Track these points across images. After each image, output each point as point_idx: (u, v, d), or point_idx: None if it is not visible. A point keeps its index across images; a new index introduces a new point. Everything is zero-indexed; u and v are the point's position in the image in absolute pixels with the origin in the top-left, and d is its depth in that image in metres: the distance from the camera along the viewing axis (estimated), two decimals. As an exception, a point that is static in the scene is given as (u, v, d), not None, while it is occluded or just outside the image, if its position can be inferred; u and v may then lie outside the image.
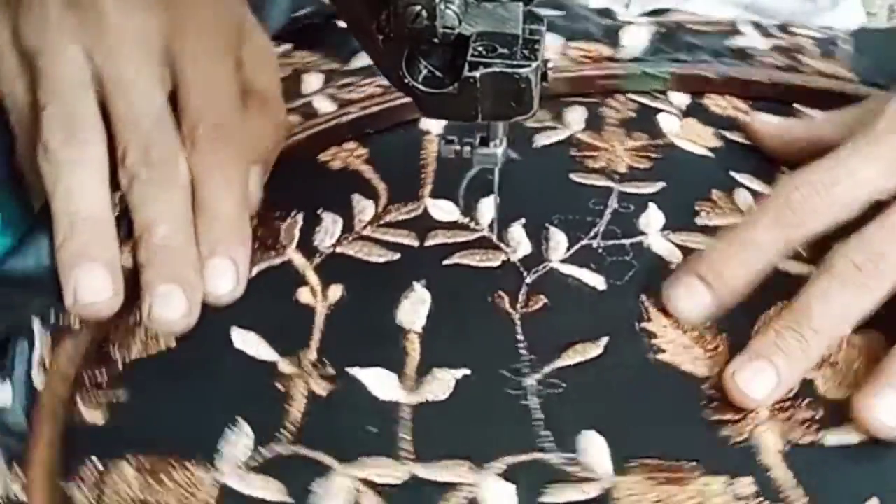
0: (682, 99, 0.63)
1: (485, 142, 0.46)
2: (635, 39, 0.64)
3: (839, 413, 0.44)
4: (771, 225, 0.47)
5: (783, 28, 0.66)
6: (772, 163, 0.58)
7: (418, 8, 0.40)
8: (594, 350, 0.47)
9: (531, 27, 0.43)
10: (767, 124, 0.59)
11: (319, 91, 0.61)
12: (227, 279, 0.47)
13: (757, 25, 0.66)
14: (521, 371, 0.46)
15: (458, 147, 0.47)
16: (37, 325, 0.46)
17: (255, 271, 0.51)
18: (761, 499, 0.41)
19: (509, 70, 0.41)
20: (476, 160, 0.47)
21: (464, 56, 0.42)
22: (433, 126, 0.60)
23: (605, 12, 0.69)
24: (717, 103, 0.63)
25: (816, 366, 0.45)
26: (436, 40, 0.41)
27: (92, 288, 0.45)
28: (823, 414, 0.44)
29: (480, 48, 0.42)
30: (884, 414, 0.43)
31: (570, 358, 0.47)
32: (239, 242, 0.48)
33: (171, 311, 0.45)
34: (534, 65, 0.42)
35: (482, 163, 0.47)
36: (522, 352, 0.47)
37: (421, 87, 0.43)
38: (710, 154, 0.59)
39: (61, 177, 0.46)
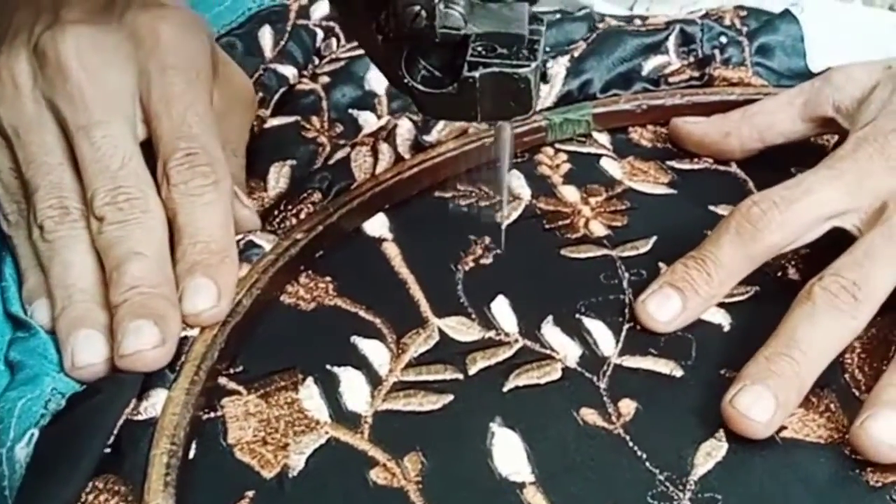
0: (605, 137, 0.60)
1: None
2: (551, 83, 0.60)
3: None
4: (732, 239, 0.48)
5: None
6: (736, 186, 0.56)
7: (418, 8, 0.40)
8: (720, 447, 0.43)
9: (531, 27, 0.42)
10: (697, 123, 0.59)
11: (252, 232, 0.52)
12: (204, 296, 0.46)
13: (682, 33, 0.63)
14: (668, 494, 0.41)
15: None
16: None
17: (300, 461, 0.43)
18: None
19: (509, 70, 0.41)
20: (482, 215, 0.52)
21: (463, 56, 0.41)
22: (381, 230, 0.54)
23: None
24: (642, 135, 0.60)
25: None
26: (435, 40, 0.41)
27: (88, 351, 0.44)
28: None
29: (480, 48, 0.41)
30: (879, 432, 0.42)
31: (704, 463, 0.43)
32: (218, 261, 0.47)
33: (141, 342, 0.43)
34: (533, 65, 0.41)
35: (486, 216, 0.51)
36: (651, 468, 0.42)
37: (420, 87, 0.43)
38: (671, 191, 0.57)
39: (57, 253, 0.47)
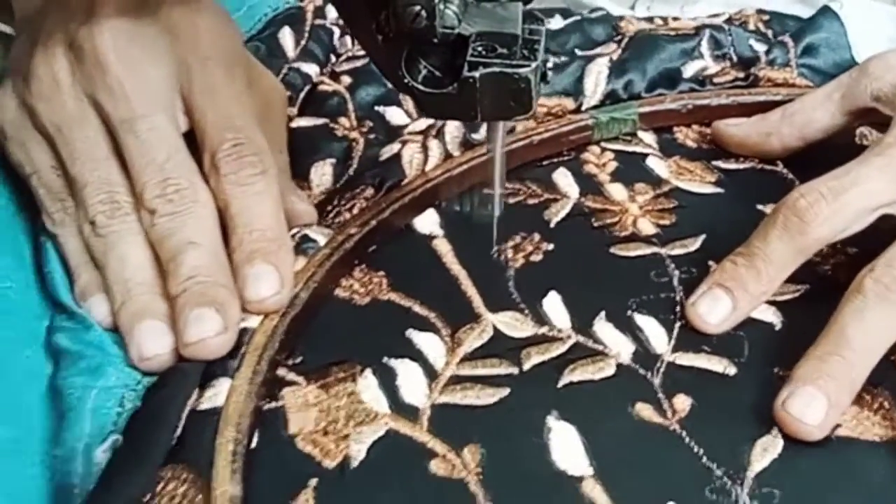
0: (651, 137, 0.60)
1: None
2: (596, 81, 0.61)
3: None
4: (780, 233, 0.48)
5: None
6: (783, 185, 0.56)
7: (418, 8, 0.40)
8: (775, 443, 0.44)
9: (531, 27, 0.42)
10: (738, 125, 0.59)
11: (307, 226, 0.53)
12: (267, 283, 0.46)
13: (713, 38, 0.64)
14: (725, 488, 0.42)
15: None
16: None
17: (360, 451, 0.43)
18: None
19: (509, 70, 0.41)
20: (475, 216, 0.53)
21: (463, 56, 0.41)
22: (431, 226, 0.54)
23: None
24: (687, 136, 0.61)
25: None
26: (435, 40, 0.41)
27: (154, 342, 0.45)
28: None
29: (480, 48, 0.41)
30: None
31: (761, 459, 0.43)
32: (276, 248, 0.47)
33: (204, 329, 0.44)
34: (533, 65, 0.41)
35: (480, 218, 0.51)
36: (708, 464, 0.43)
37: (420, 87, 0.43)
38: (718, 190, 0.57)
39: (112, 247, 0.47)
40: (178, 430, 0.41)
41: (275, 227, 0.48)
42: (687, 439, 0.43)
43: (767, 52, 0.62)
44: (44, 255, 0.49)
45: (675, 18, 0.68)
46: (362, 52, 0.67)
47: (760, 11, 0.67)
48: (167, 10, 0.50)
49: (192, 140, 0.49)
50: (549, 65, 0.43)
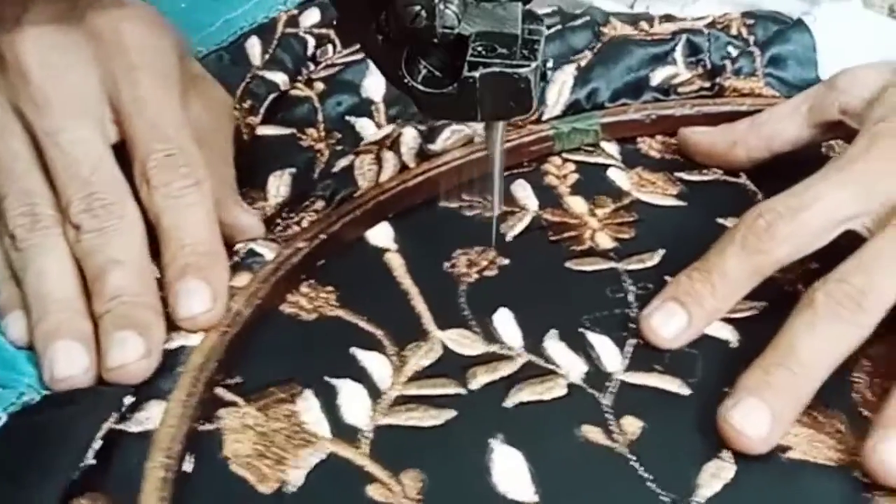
0: (614, 147, 0.59)
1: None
2: (559, 90, 0.59)
3: None
4: (737, 251, 0.46)
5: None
6: (746, 198, 0.55)
7: (418, 8, 0.40)
8: (725, 468, 0.42)
9: (531, 27, 0.42)
10: (705, 133, 0.58)
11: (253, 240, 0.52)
12: (199, 299, 0.45)
13: (689, 43, 0.62)
14: (672, 515, 0.41)
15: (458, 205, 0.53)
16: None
17: (298, 476, 0.42)
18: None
19: (508, 70, 0.41)
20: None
21: (463, 56, 0.41)
22: (384, 240, 0.53)
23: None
24: (651, 146, 0.60)
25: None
26: (435, 40, 0.41)
27: (67, 363, 0.43)
28: None
29: (480, 48, 0.41)
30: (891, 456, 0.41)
31: (709, 485, 0.42)
32: (209, 263, 0.46)
33: (126, 354, 0.43)
34: (533, 65, 0.41)
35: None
36: (654, 489, 0.41)
37: (420, 87, 0.43)
38: (680, 203, 0.56)
39: (31, 262, 0.46)
40: (96, 452, 0.40)
41: (207, 240, 0.47)
42: (634, 463, 0.42)
43: (734, 62, 0.60)
44: None
45: (669, 16, 0.66)
46: (340, 60, 0.65)
47: (746, 15, 0.65)
48: (92, 17, 0.49)
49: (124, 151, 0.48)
50: (549, 65, 0.43)
